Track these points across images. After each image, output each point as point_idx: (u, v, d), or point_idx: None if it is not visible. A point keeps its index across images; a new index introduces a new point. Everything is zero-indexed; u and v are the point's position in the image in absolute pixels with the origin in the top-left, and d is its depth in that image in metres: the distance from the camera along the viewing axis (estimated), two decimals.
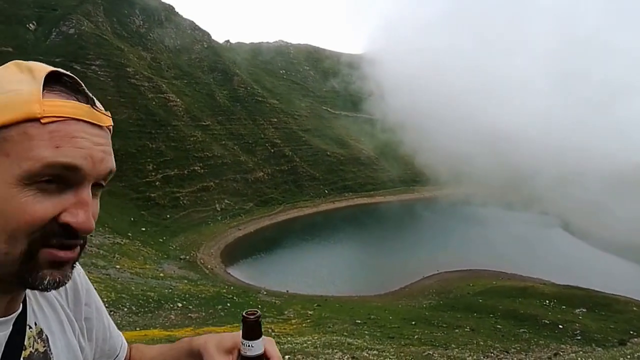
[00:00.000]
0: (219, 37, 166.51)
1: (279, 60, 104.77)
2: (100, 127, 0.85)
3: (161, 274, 35.82)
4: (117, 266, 33.45)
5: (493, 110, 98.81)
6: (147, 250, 43.49)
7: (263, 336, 1.02)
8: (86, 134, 0.82)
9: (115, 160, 0.82)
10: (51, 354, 0.97)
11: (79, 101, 0.84)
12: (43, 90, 0.80)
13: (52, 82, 0.83)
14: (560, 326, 27.16)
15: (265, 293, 35.54)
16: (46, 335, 0.98)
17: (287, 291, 38.65)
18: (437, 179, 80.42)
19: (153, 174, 57.24)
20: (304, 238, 56.25)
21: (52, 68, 0.85)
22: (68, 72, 0.86)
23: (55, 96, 0.81)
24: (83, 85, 0.87)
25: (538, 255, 50.04)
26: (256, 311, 1.01)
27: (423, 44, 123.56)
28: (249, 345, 1.00)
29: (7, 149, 0.76)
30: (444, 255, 49.00)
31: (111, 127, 0.89)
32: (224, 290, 33.26)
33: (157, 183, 56.63)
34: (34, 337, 0.95)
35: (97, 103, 0.88)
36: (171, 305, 26.01)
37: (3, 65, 0.87)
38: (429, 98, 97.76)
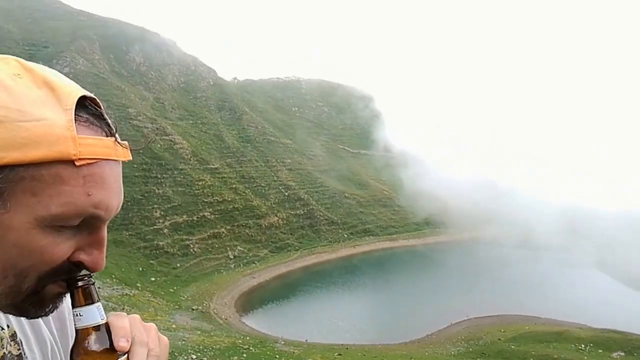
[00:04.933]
0: (225, 73, 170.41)
1: (290, 96, 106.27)
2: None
3: (173, 325, 37.00)
4: None
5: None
6: (158, 301, 44.67)
7: (99, 303, 0.91)
8: (113, 176, 0.83)
9: (121, 208, 0.96)
10: (26, 357, 1.00)
11: (106, 134, 0.83)
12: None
13: (77, 107, 0.80)
14: None
15: (283, 343, 36.53)
16: (20, 339, 1.00)
17: (306, 340, 39.63)
18: (461, 221, 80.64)
19: (161, 220, 58.30)
20: (323, 285, 57.08)
21: (76, 87, 0.83)
22: (91, 94, 0.85)
23: (86, 130, 0.80)
24: (103, 109, 0.87)
25: (572, 297, 50.41)
26: (85, 275, 0.89)
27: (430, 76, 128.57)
28: (78, 315, 0.88)
29: (34, 188, 0.75)
30: (472, 300, 49.60)
31: None
32: (240, 341, 34.49)
33: (165, 230, 57.64)
34: (7, 339, 0.96)
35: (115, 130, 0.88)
36: (185, 358, 27.08)
37: (2, 62, 0.83)
38: (439, 136, 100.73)
